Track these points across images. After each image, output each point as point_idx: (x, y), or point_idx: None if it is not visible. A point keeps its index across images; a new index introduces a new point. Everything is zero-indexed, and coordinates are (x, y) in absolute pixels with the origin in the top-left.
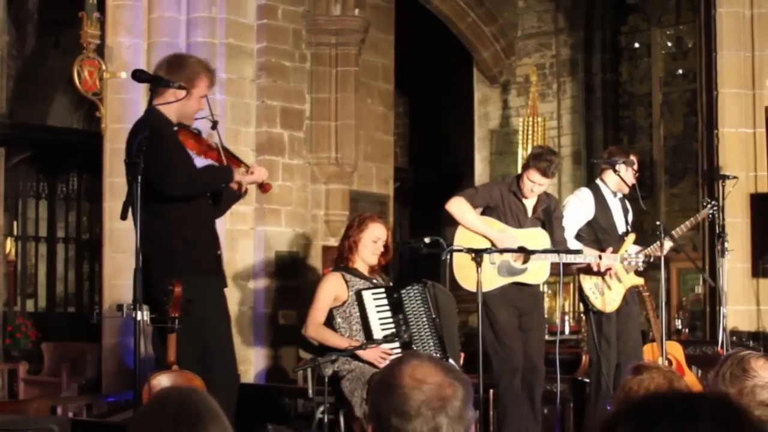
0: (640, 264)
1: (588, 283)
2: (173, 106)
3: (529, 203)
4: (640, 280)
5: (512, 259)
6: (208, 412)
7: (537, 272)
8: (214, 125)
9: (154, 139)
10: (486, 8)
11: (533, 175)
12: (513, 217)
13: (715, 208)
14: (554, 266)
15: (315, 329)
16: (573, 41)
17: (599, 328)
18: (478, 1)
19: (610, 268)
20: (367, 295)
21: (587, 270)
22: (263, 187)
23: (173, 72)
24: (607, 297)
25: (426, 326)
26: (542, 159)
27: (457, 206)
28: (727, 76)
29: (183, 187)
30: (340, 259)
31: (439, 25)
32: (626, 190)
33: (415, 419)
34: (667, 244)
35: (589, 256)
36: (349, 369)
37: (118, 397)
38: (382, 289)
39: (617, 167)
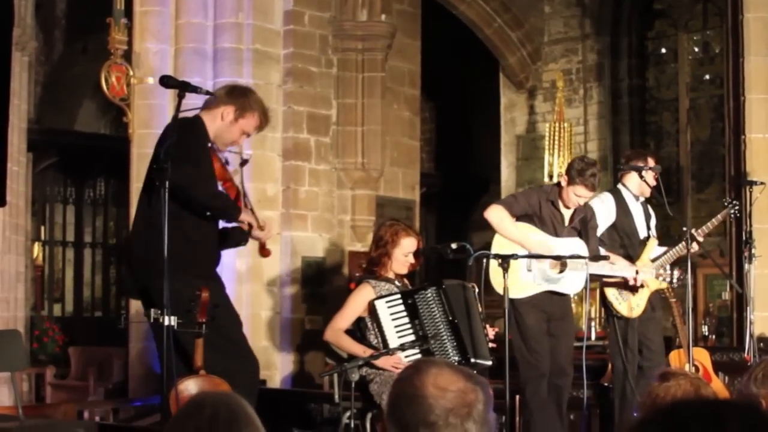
0: (675, 281)
1: (611, 289)
2: (215, 124)
3: (567, 212)
4: (664, 284)
5: (549, 267)
6: (244, 416)
7: (573, 282)
8: (244, 163)
9: (188, 135)
10: (512, 14)
11: (580, 189)
12: (550, 225)
13: (737, 208)
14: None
15: (333, 334)
16: (599, 46)
17: (623, 334)
18: (505, 7)
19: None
20: (380, 305)
21: (622, 284)
22: (264, 251)
23: (232, 95)
24: (632, 302)
25: (443, 330)
26: (588, 174)
27: (496, 215)
28: (755, 81)
29: (190, 183)
30: (371, 267)
31: (465, 31)
32: (648, 194)
33: (443, 429)
34: (693, 246)
35: (626, 270)
36: (378, 372)
37: (144, 401)
38: (398, 295)
39: (643, 173)
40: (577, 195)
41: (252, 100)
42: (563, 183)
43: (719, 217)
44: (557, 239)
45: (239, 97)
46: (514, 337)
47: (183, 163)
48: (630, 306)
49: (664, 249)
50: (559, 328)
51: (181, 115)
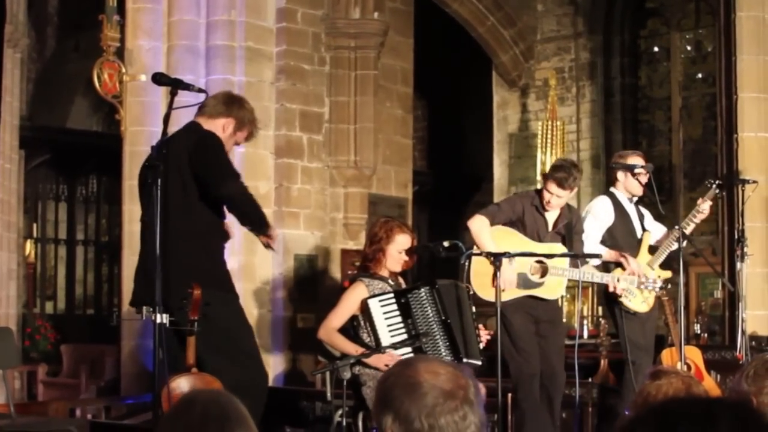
0: (657, 288)
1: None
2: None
3: (551, 217)
4: (667, 274)
5: (529, 273)
6: (235, 414)
7: (553, 288)
8: None
9: (213, 145)
10: (505, 12)
11: (551, 186)
12: (533, 231)
13: (718, 189)
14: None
15: (327, 332)
16: (592, 45)
17: (630, 331)
18: (498, 5)
19: (625, 289)
20: (373, 303)
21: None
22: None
23: (232, 108)
24: (641, 296)
25: (436, 329)
26: (560, 170)
27: (476, 225)
28: (747, 80)
29: (235, 192)
30: (364, 264)
31: (458, 29)
32: (640, 192)
33: (445, 413)
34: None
35: (606, 276)
36: (372, 376)
37: (136, 399)
38: (391, 294)
39: (636, 171)
40: (549, 191)
41: (248, 113)
42: (542, 183)
43: (705, 198)
44: (537, 244)
45: (239, 110)
46: (502, 339)
47: (233, 178)
48: (640, 301)
49: (664, 231)
50: (548, 330)
51: (174, 112)
